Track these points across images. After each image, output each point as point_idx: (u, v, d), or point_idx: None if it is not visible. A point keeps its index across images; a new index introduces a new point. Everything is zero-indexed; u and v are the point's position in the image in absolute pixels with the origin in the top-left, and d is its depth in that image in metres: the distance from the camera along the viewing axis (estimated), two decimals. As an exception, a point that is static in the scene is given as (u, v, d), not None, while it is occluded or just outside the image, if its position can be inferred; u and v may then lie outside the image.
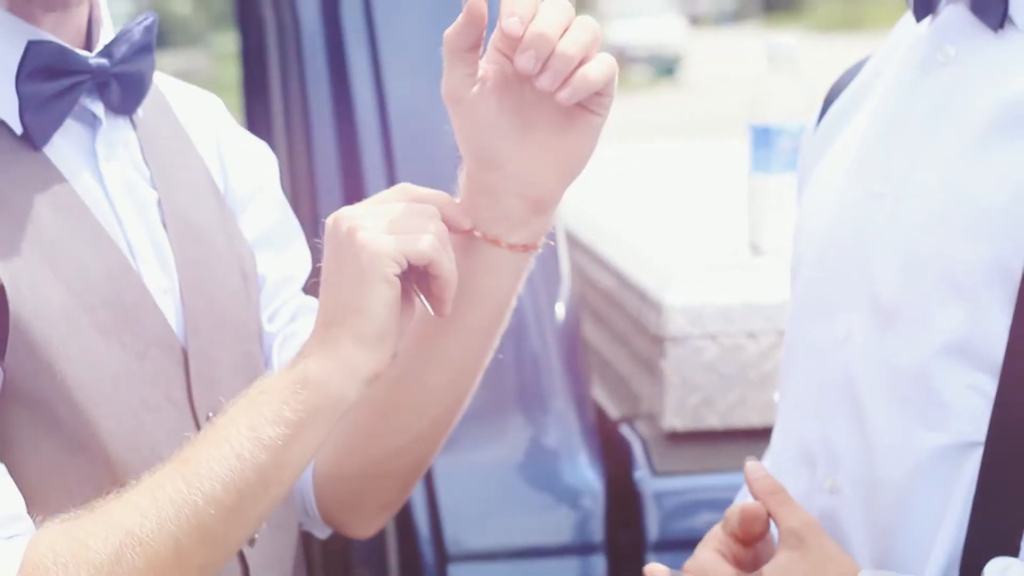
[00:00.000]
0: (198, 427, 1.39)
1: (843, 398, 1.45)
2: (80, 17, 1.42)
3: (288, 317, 1.54)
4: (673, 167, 3.47)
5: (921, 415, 1.38)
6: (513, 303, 1.45)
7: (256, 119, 3.11)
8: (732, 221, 2.35)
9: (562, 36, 1.27)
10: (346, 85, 2.07)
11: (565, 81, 1.28)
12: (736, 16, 52.27)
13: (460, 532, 1.97)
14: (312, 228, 1.88)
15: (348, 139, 2.09)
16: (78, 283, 1.35)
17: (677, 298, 2.04)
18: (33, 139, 1.37)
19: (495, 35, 1.30)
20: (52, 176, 1.38)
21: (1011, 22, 1.39)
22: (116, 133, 1.45)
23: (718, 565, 1.44)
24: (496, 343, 1.46)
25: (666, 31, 33.00)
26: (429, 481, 1.97)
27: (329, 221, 1.31)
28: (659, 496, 1.99)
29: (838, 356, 1.45)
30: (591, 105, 1.33)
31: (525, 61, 1.26)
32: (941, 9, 1.44)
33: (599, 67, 1.28)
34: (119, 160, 1.44)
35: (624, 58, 31.21)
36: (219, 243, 1.49)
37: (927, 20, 1.46)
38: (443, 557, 1.98)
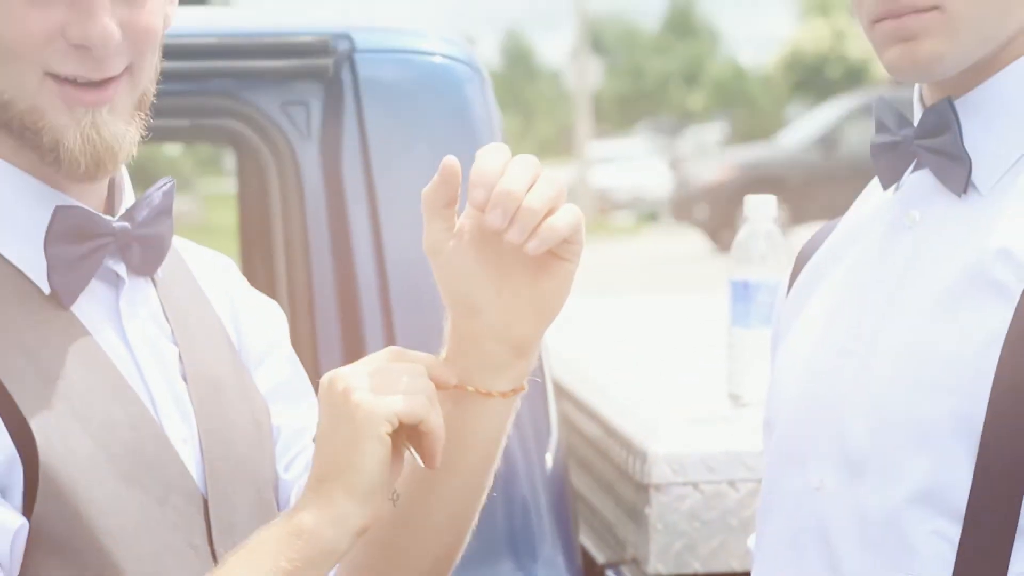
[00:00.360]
0: None
1: (817, 543, 1.50)
2: (104, 184, 1.50)
3: (303, 467, 1.59)
4: (656, 319, 3.55)
5: (890, 559, 1.44)
6: (504, 441, 1.51)
7: (254, 265, 3.19)
8: (713, 372, 2.42)
9: (528, 191, 1.35)
10: (346, 237, 2.15)
11: (532, 233, 1.36)
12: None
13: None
14: (313, 373, 1.96)
15: (347, 289, 2.16)
16: (103, 434, 1.41)
17: (661, 447, 2.11)
18: (61, 298, 1.45)
19: (469, 191, 1.39)
20: (78, 333, 1.45)
21: (974, 187, 1.47)
22: (138, 292, 1.51)
23: None
24: (491, 479, 1.52)
25: (649, 175, 33.20)
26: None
27: (324, 380, 1.38)
28: None
29: (812, 504, 1.51)
30: (561, 252, 1.41)
31: (493, 218, 1.36)
32: (906, 177, 1.52)
33: (563, 218, 1.37)
34: (141, 317, 1.51)
35: (607, 203, 31.38)
36: (235, 395, 1.55)
37: (892, 189, 1.54)
38: None
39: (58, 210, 1.43)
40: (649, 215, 29.04)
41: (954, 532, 1.41)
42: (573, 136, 33.34)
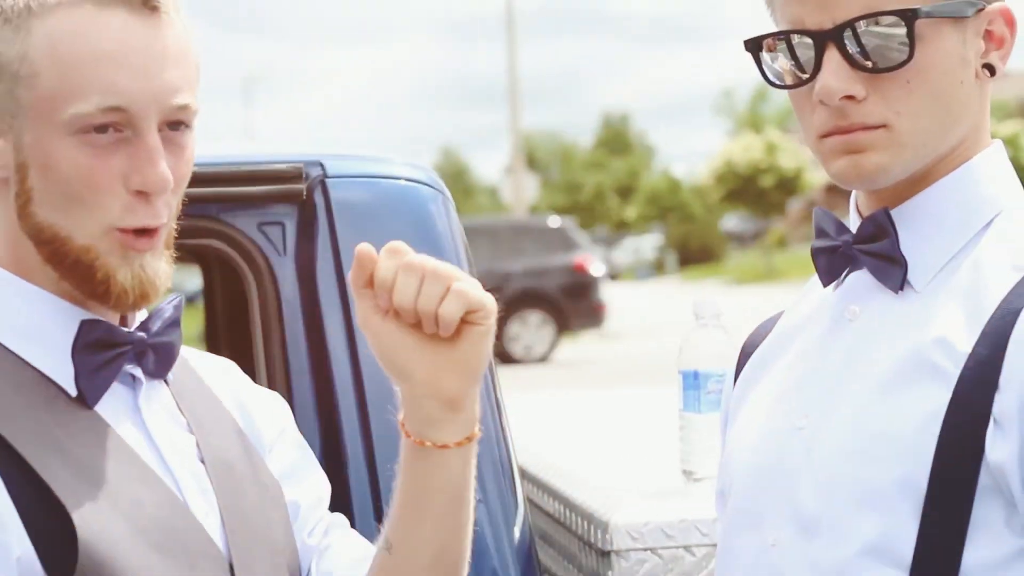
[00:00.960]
0: None
1: None
2: None
3: (322, 532, 1.78)
4: (608, 410, 3.73)
5: None
6: (470, 491, 1.70)
7: None
8: (663, 454, 2.57)
9: (418, 296, 1.58)
10: (322, 342, 2.29)
11: (433, 324, 1.59)
12: (655, 270, 52.97)
13: None
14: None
15: (325, 389, 2.31)
16: (135, 514, 1.58)
17: (621, 517, 2.26)
18: (87, 399, 1.62)
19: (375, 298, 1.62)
20: (103, 428, 1.62)
21: (910, 285, 1.64)
22: (153, 391, 1.68)
23: None
24: (468, 520, 1.70)
25: None
26: None
27: None
28: None
29: (768, 559, 1.66)
30: (472, 319, 1.61)
31: (383, 306, 1.60)
32: (845, 276, 1.70)
33: (451, 305, 1.58)
34: (158, 412, 1.68)
35: None
36: (247, 474, 1.72)
37: (833, 286, 1.71)
38: None
39: (83, 324, 1.60)
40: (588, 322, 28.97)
41: None
42: (512, 251, 33.40)
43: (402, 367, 1.64)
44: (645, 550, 2.25)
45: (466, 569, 1.73)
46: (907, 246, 1.64)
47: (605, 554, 2.28)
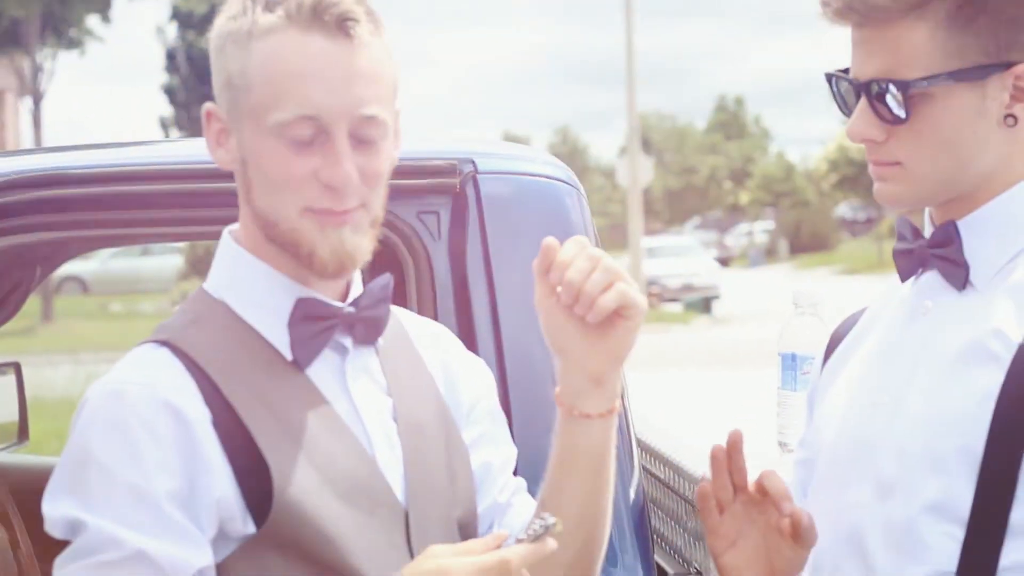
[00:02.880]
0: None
1: (853, 546, 1.94)
2: (343, 280, 1.92)
3: (510, 492, 2.04)
4: (716, 388, 4.00)
5: (910, 554, 1.87)
6: (612, 452, 1.95)
7: None
8: (763, 428, 2.81)
9: (587, 279, 1.83)
10: (469, 318, 2.54)
11: (588, 308, 1.86)
12: (767, 257, 52.53)
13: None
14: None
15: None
16: (326, 465, 1.84)
17: None
18: (300, 364, 1.88)
19: (550, 275, 1.90)
20: (310, 390, 1.87)
21: (971, 284, 1.92)
22: (360, 358, 1.93)
23: None
24: (608, 485, 1.97)
25: (698, 269, 33.04)
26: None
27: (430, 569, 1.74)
28: None
29: (849, 517, 1.94)
30: (623, 313, 1.88)
31: (563, 298, 1.86)
32: (920, 275, 1.97)
33: (609, 298, 1.85)
34: (361, 377, 1.93)
35: (658, 294, 31.30)
36: (436, 435, 1.97)
37: (910, 282, 1.99)
38: None
39: (299, 301, 1.88)
40: (699, 305, 28.97)
41: (959, 534, 1.84)
42: (625, 230, 33.39)
43: (562, 344, 1.92)
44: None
45: (608, 525, 1.99)
46: (970, 252, 1.91)
47: None
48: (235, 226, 1.96)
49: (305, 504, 1.82)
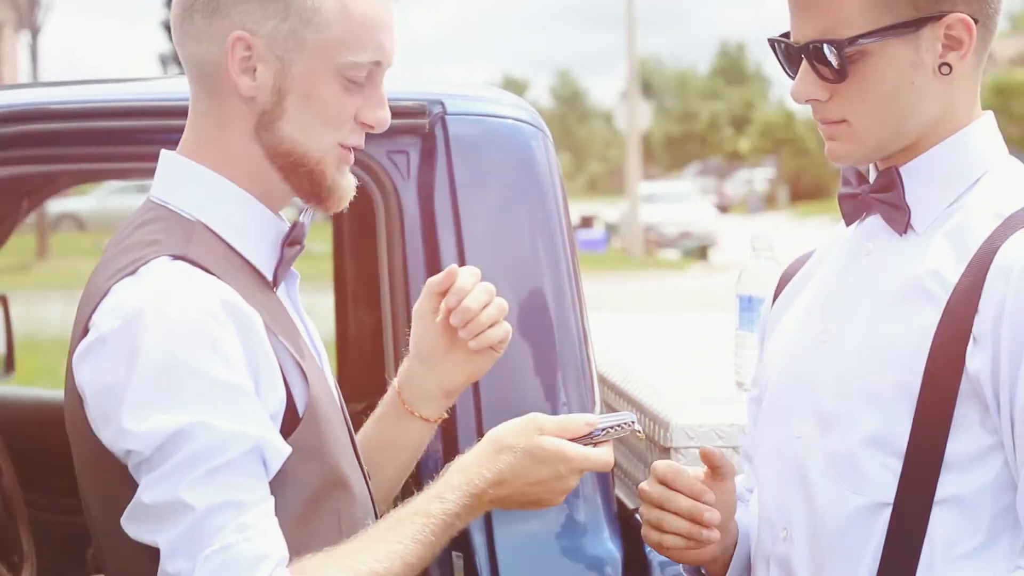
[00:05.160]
0: None
1: (795, 476, 2.00)
2: None
3: None
4: (681, 329, 4.06)
5: (850, 484, 1.93)
6: (420, 455, 2.20)
7: (345, 284, 3.70)
8: (722, 368, 2.88)
9: (482, 310, 2.06)
10: (436, 255, 2.60)
11: (475, 336, 2.07)
12: (767, 204, 52.45)
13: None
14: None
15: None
16: (318, 379, 1.95)
17: (681, 419, 2.57)
18: (276, 285, 1.97)
19: (446, 298, 2.10)
20: (285, 310, 1.97)
21: (912, 228, 1.98)
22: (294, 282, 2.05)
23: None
24: (406, 475, 2.22)
25: (696, 216, 32.98)
26: (491, 547, 2.48)
27: (551, 452, 1.94)
28: (663, 565, 2.46)
29: (792, 449, 2.01)
30: (496, 347, 2.11)
31: (454, 320, 2.07)
32: (863, 219, 2.04)
33: (497, 332, 2.08)
34: (299, 301, 2.06)
35: (655, 240, 31.32)
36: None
37: (854, 225, 2.06)
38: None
39: (294, 224, 1.98)
40: (696, 252, 28.97)
41: (897, 466, 1.90)
42: (623, 175, 33.33)
43: (429, 355, 2.13)
44: (699, 448, 2.55)
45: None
46: (911, 197, 1.97)
47: (666, 450, 2.57)
48: (180, 149, 1.99)
49: (320, 413, 1.90)
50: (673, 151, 67.86)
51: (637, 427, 1.99)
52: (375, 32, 1.92)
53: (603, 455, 1.97)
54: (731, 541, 2.14)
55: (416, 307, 2.13)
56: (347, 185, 1.97)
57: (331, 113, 1.92)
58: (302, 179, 1.95)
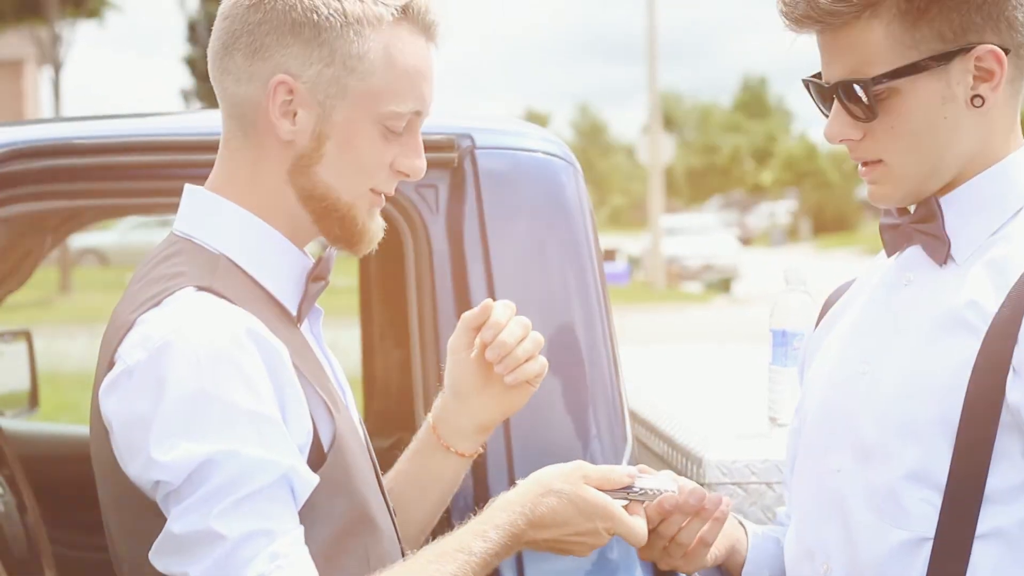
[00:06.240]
0: None
1: (835, 509, 1.99)
2: None
3: None
4: (712, 363, 4.04)
5: (890, 519, 1.92)
6: (455, 490, 2.19)
7: (371, 315, 3.70)
8: (754, 403, 2.86)
9: (518, 343, 2.07)
10: (466, 288, 2.59)
11: (511, 371, 2.08)
12: (789, 237, 52.47)
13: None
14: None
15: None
16: (342, 417, 1.93)
17: (714, 455, 2.55)
18: (299, 320, 1.96)
19: (482, 331, 2.11)
20: (309, 346, 1.96)
21: (952, 259, 1.97)
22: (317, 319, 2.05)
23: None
24: (441, 511, 2.21)
25: (718, 249, 33.04)
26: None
27: (596, 506, 1.95)
28: None
29: (832, 482, 2.00)
30: (532, 381, 2.11)
31: (490, 355, 2.08)
32: (904, 249, 2.03)
33: (533, 367, 2.09)
34: (323, 337, 2.04)
35: (677, 273, 31.33)
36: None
37: (895, 256, 2.05)
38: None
39: (320, 260, 1.98)
40: (719, 285, 28.99)
41: (937, 500, 1.89)
42: (645, 208, 33.38)
43: (464, 390, 2.13)
44: (733, 484, 2.54)
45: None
46: (951, 227, 1.96)
47: (700, 486, 2.59)
48: (208, 185, 1.98)
49: (352, 450, 1.90)
50: (695, 184, 68.00)
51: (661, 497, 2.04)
52: (418, 82, 1.93)
53: (640, 528, 1.98)
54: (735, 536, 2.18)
55: (451, 342, 2.13)
56: (376, 229, 1.97)
57: (368, 161, 1.93)
58: (332, 223, 1.96)
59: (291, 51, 1.88)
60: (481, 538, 1.88)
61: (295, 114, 1.90)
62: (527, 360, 2.08)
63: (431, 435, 2.16)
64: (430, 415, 2.19)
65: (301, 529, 1.78)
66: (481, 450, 2.19)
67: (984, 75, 1.92)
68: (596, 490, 1.95)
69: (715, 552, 2.12)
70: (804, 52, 2.02)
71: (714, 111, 76.41)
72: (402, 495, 2.13)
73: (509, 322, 2.08)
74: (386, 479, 2.18)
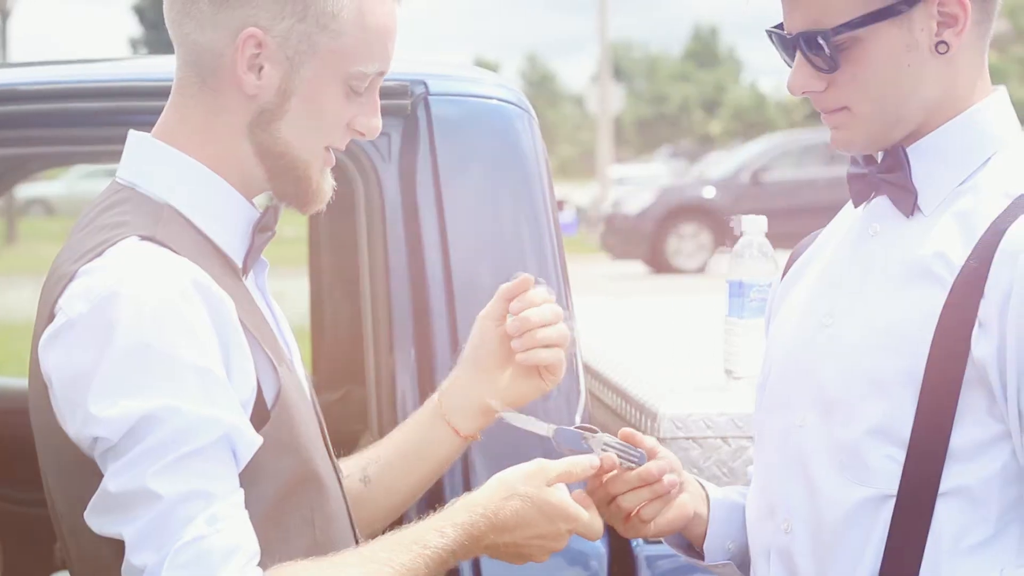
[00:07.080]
0: None
1: (797, 465, 1.97)
2: None
3: None
4: (669, 315, 4.03)
5: (852, 475, 1.90)
6: (443, 471, 2.19)
7: (320, 266, 3.66)
8: (710, 355, 2.83)
9: (543, 326, 2.06)
10: (418, 237, 2.57)
11: (525, 349, 2.07)
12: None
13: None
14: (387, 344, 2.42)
15: (418, 278, 2.57)
16: (286, 370, 1.89)
17: (669, 409, 2.53)
18: (245, 272, 1.92)
19: (513, 304, 2.10)
20: (253, 299, 1.92)
21: (919, 210, 1.94)
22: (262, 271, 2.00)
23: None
24: (422, 491, 2.20)
25: None
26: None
27: (557, 508, 1.94)
28: (650, 560, 2.47)
29: (795, 437, 1.97)
30: (545, 375, 2.11)
31: (510, 325, 2.08)
32: (871, 199, 2.00)
33: (547, 353, 2.09)
34: (268, 290, 2.01)
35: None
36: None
37: (862, 206, 2.02)
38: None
39: (266, 209, 1.93)
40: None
41: (901, 456, 1.86)
42: (595, 159, 33.36)
43: (485, 363, 2.13)
44: (688, 439, 2.52)
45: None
46: (918, 177, 1.93)
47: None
48: (155, 132, 1.93)
49: (296, 407, 1.86)
50: (644, 134, 67.99)
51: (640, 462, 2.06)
52: (386, 42, 1.91)
53: (598, 524, 2.00)
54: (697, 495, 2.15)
55: (483, 312, 2.14)
56: (327, 188, 1.94)
57: (329, 119, 1.90)
58: (288, 181, 1.92)
59: (262, 3, 1.84)
60: (439, 533, 1.87)
61: (261, 68, 1.86)
62: (546, 347, 2.07)
63: (433, 407, 2.15)
64: (438, 390, 2.18)
65: (241, 492, 1.74)
66: (478, 437, 2.16)
67: (948, 20, 1.89)
68: (558, 492, 1.95)
69: (670, 518, 2.09)
70: (756, 2, 1.99)
71: (664, 61, 76.34)
72: (389, 463, 2.12)
73: (543, 304, 2.08)
74: (378, 446, 2.18)
